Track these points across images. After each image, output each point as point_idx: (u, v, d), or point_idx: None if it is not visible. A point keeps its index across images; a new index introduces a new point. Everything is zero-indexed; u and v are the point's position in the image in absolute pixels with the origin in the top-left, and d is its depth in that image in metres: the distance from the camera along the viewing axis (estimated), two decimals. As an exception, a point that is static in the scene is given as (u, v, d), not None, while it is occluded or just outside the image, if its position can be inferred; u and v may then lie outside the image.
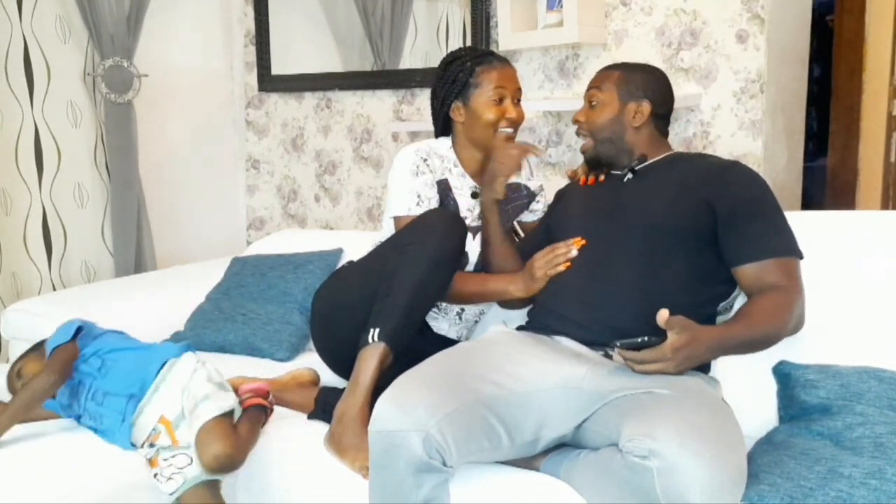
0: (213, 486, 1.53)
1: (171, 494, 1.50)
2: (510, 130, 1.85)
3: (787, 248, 1.51)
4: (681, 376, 1.42)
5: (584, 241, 1.64)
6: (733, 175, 1.61)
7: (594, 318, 1.56)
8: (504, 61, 1.88)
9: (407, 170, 1.84)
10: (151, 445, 1.54)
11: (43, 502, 1.42)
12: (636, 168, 1.70)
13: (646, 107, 1.70)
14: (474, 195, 1.92)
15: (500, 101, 1.83)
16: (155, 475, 1.51)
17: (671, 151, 1.75)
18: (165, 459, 1.52)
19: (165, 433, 1.54)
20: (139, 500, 1.54)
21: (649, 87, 1.72)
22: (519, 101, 1.88)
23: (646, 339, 1.47)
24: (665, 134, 1.77)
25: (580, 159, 2.49)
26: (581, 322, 1.57)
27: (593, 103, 1.73)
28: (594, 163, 1.77)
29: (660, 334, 1.46)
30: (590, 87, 1.76)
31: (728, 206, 1.54)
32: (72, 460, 1.54)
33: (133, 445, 1.57)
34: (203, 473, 1.51)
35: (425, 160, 1.85)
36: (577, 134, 1.77)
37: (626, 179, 1.70)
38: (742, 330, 1.46)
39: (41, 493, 1.44)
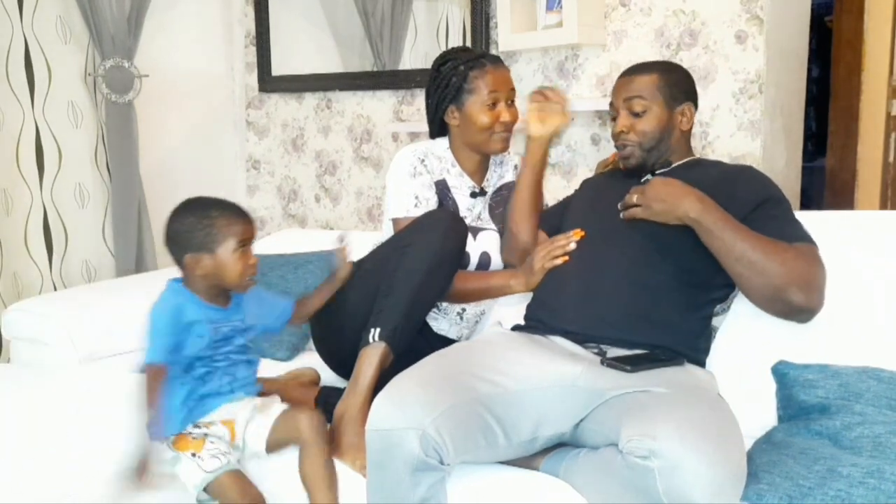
0: (242, 474, 1.53)
1: (209, 472, 1.48)
2: (506, 134, 1.86)
3: (807, 238, 1.51)
4: (676, 373, 1.43)
5: (583, 233, 1.65)
6: (745, 177, 1.61)
7: (587, 312, 1.56)
8: (497, 62, 1.87)
9: (404, 171, 1.85)
10: (197, 427, 1.52)
11: (43, 502, 1.42)
12: (657, 172, 1.69)
13: (690, 109, 1.69)
14: (473, 194, 1.92)
15: (495, 104, 1.83)
16: (193, 454, 1.48)
17: (692, 157, 1.74)
18: (213, 442, 1.51)
19: (226, 430, 1.54)
20: (143, 499, 1.54)
21: (688, 88, 1.70)
22: (513, 101, 1.88)
23: (636, 352, 1.49)
24: (689, 136, 1.75)
25: (579, 160, 2.50)
26: (573, 316, 1.57)
27: (638, 112, 1.66)
28: (637, 170, 1.71)
29: (651, 342, 1.47)
30: (629, 95, 1.66)
31: (742, 206, 1.53)
32: (73, 459, 1.54)
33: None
34: (236, 462, 1.51)
35: (422, 161, 1.86)
36: (622, 145, 1.69)
37: (643, 181, 1.69)
38: (745, 231, 1.45)
39: (42, 492, 1.44)
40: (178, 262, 1.55)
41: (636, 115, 1.66)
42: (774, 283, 1.43)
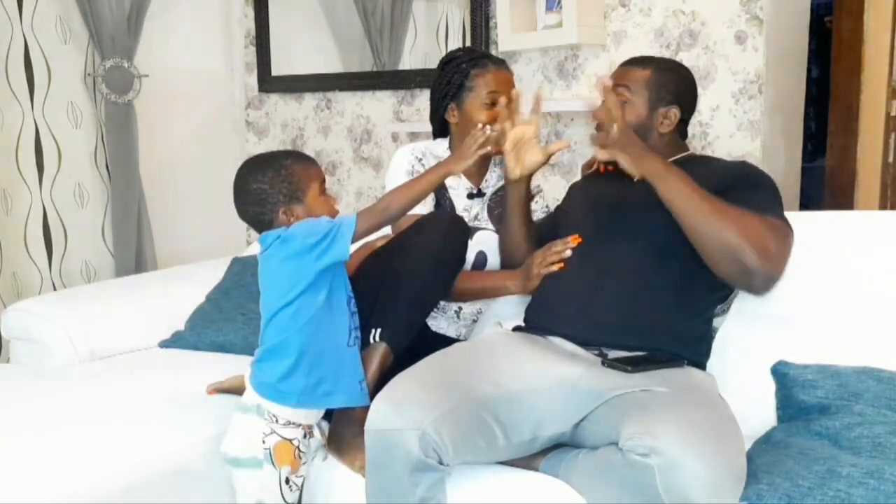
0: None
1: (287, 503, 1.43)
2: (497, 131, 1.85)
3: (780, 216, 1.52)
4: (677, 373, 1.43)
5: (580, 239, 1.64)
6: (740, 168, 1.62)
7: (587, 315, 1.56)
8: (500, 64, 1.88)
9: (402, 169, 1.86)
10: (305, 436, 1.45)
11: (45, 501, 1.42)
12: None
13: (675, 113, 1.66)
14: (470, 196, 1.93)
15: (493, 104, 1.83)
16: (287, 479, 1.42)
17: (686, 153, 1.72)
18: (303, 465, 1.45)
19: (320, 436, 1.50)
20: (146, 499, 1.54)
21: (679, 91, 1.68)
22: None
23: (637, 354, 1.49)
24: (684, 136, 1.74)
25: (579, 160, 2.50)
26: (574, 319, 1.57)
27: (620, 101, 1.63)
28: (611, 161, 1.70)
29: (652, 347, 1.47)
30: (617, 83, 1.65)
31: (727, 187, 1.53)
32: (73, 460, 1.54)
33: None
34: None
35: (420, 160, 1.87)
36: (598, 130, 1.67)
37: (636, 179, 1.69)
38: (706, 193, 1.46)
39: (43, 492, 1.44)
40: (267, 223, 1.49)
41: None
42: (731, 243, 1.42)
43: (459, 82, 1.85)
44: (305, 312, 1.43)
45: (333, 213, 1.52)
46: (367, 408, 1.38)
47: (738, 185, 1.54)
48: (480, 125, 1.64)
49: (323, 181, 1.53)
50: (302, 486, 1.49)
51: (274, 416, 1.42)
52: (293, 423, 1.43)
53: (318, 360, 1.44)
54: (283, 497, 1.41)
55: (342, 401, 1.47)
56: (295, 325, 1.43)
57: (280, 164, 1.49)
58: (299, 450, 1.43)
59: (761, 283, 1.47)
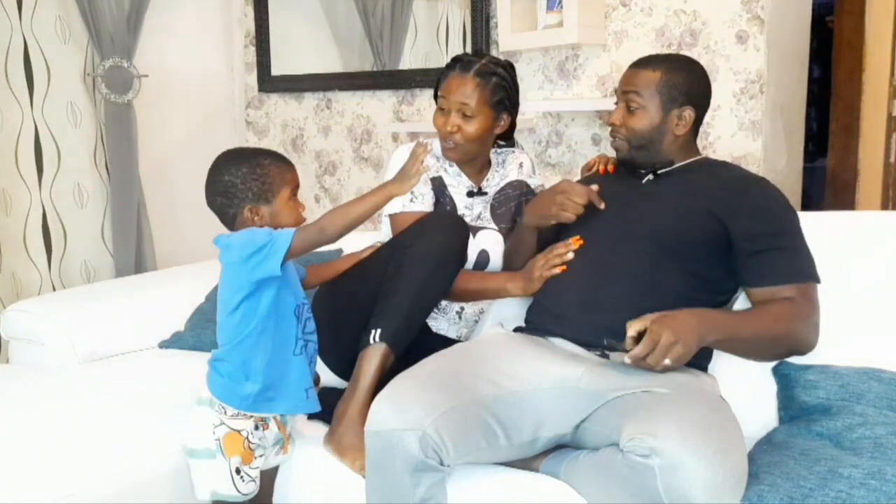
0: None
1: (242, 495, 1.44)
2: (450, 143, 1.83)
3: (807, 273, 1.51)
4: (678, 374, 1.42)
5: (582, 242, 1.64)
6: (755, 195, 1.57)
7: (589, 319, 1.55)
8: (464, 70, 1.80)
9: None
10: (256, 428, 1.47)
11: (45, 502, 1.42)
12: (659, 172, 1.66)
13: (689, 114, 1.62)
14: (470, 194, 1.92)
15: (445, 110, 1.82)
16: (238, 470, 1.43)
17: (698, 156, 1.69)
18: (258, 458, 1.46)
19: (276, 429, 1.50)
20: (145, 499, 1.54)
21: (692, 90, 1.62)
22: (468, 115, 1.80)
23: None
24: (696, 136, 1.70)
25: (580, 160, 2.50)
26: (576, 322, 1.56)
27: (632, 108, 1.62)
28: (626, 165, 1.70)
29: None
30: (627, 89, 1.63)
31: (748, 230, 1.51)
32: (74, 460, 1.54)
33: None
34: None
35: None
36: (613, 136, 1.67)
37: (645, 181, 1.68)
38: (746, 318, 1.47)
39: (44, 492, 1.44)
40: (232, 217, 1.50)
41: (631, 110, 1.63)
42: (781, 353, 1.52)
43: (436, 85, 1.87)
44: (247, 323, 1.44)
45: (299, 221, 1.52)
46: (366, 407, 1.38)
47: (767, 247, 1.51)
48: (419, 140, 1.62)
49: (296, 186, 1.53)
50: (276, 477, 1.50)
51: (223, 407, 1.45)
52: (242, 415, 1.45)
53: (261, 370, 1.45)
54: (235, 488, 1.43)
55: (286, 408, 1.50)
56: (238, 335, 1.45)
57: (257, 162, 1.49)
58: (249, 441, 1.45)
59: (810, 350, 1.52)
